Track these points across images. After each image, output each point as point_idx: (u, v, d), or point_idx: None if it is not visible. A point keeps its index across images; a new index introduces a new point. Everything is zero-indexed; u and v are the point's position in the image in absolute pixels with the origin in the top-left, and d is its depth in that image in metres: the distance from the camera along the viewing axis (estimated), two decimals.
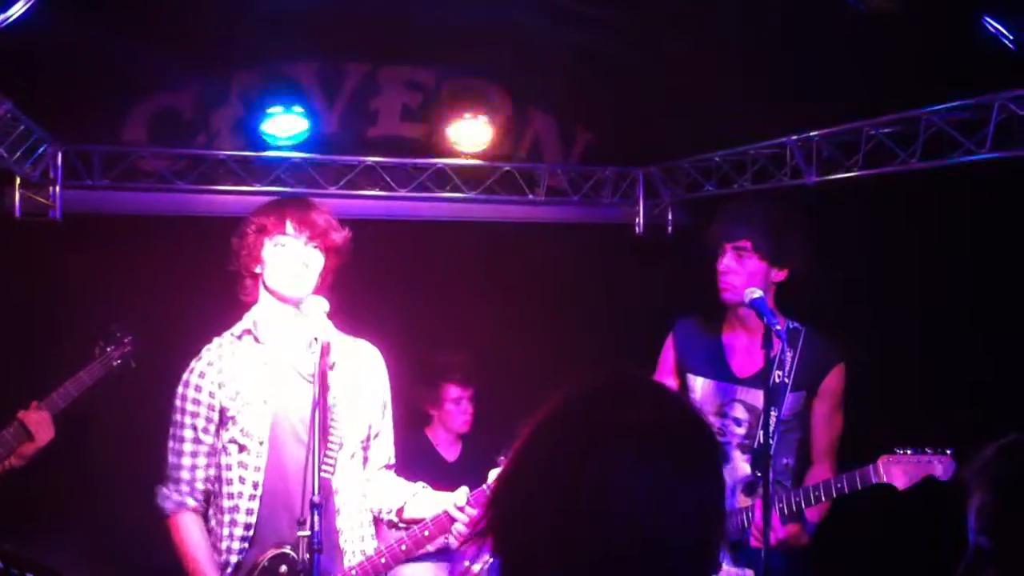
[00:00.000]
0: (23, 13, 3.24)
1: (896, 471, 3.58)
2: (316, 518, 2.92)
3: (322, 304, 3.23)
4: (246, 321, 3.38)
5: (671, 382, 4.06)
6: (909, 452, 3.59)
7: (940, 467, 3.56)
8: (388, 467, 3.54)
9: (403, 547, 3.21)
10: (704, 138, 5.54)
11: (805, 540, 3.78)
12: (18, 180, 5.11)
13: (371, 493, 3.44)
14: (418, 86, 5.91)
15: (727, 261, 3.84)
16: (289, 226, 3.25)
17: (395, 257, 5.59)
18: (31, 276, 4.98)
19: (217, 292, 3.74)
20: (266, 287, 3.34)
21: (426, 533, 3.18)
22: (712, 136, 5.47)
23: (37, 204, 5.21)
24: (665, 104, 5.36)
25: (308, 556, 2.94)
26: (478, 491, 3.10)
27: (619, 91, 5.52)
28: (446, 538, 3.24)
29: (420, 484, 3.40)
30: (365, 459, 3.44)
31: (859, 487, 3.63)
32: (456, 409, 5.19)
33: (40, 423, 3.66)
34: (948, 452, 3.57)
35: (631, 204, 6.22)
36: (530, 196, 5.98)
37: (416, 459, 4.49)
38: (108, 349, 4.00)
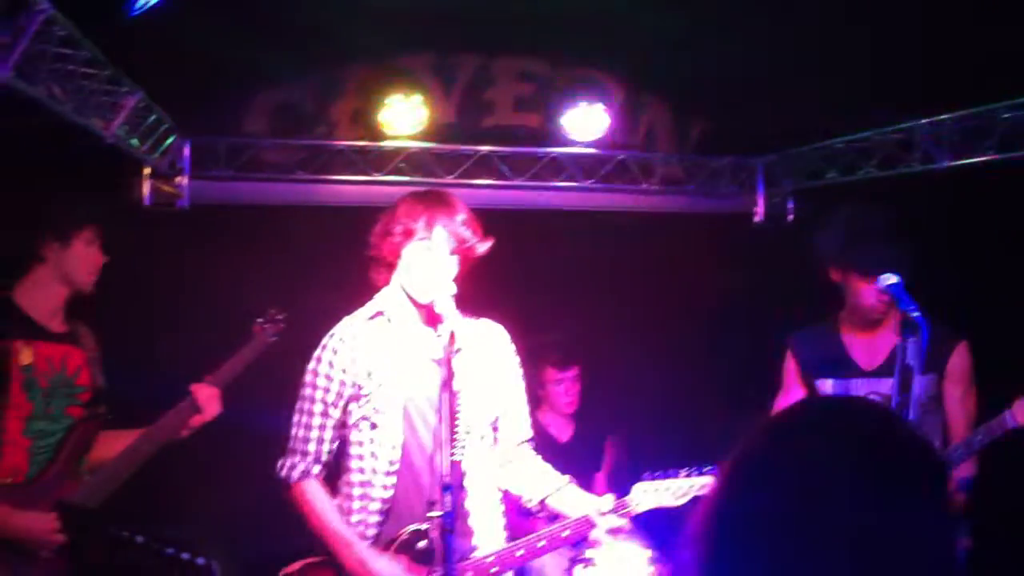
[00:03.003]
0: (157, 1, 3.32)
1: None
2: (448, 499, 2.90)
3: (449, 292, 3.22)
4: (377, 303, 3.38)
5: (800, 393, 4.05)
6: None
7: None
8: (525, 443, 3.48)
9: (541, 543, 3.19)
10: (821, 125, 5.38)
11: (962, 498, 3.78)
12: (147, 170, 5.27)
13: (512, 475, 3.40)
14: (532, 76, 5.90)
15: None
16: (438, 232, 3.21)
17: (510, 246, 5.56)
18: (161, 263, 5.10)
19: (337, 279, 3.78)
20: (401, 282, 3.34)
21: (565, 534, 3.17)
22: (829, 123, 5.31)
23: (165, 194, 5.38)
24: (780, 92, 5.22)
25: (440, 536, 2.93)
26: (621, 501, 3.10)
27: (734, 79, 5.39)
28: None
29: (566, 478, 3.34)
30: (496, 439, 3.41)
31: (998, 434, 3.62)
32: (558, 390, 5.20)
33: (210, 398, 3.72)
34: None
35: (748, 193, 6.11)
36: (644, 185, 5.91)
37: None
38: (265, 327, 4.08)
